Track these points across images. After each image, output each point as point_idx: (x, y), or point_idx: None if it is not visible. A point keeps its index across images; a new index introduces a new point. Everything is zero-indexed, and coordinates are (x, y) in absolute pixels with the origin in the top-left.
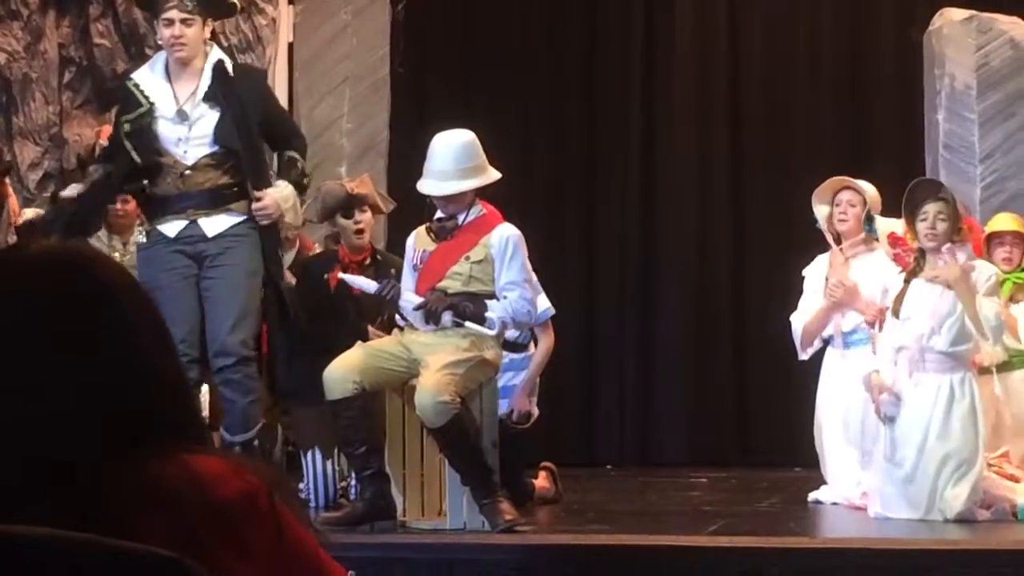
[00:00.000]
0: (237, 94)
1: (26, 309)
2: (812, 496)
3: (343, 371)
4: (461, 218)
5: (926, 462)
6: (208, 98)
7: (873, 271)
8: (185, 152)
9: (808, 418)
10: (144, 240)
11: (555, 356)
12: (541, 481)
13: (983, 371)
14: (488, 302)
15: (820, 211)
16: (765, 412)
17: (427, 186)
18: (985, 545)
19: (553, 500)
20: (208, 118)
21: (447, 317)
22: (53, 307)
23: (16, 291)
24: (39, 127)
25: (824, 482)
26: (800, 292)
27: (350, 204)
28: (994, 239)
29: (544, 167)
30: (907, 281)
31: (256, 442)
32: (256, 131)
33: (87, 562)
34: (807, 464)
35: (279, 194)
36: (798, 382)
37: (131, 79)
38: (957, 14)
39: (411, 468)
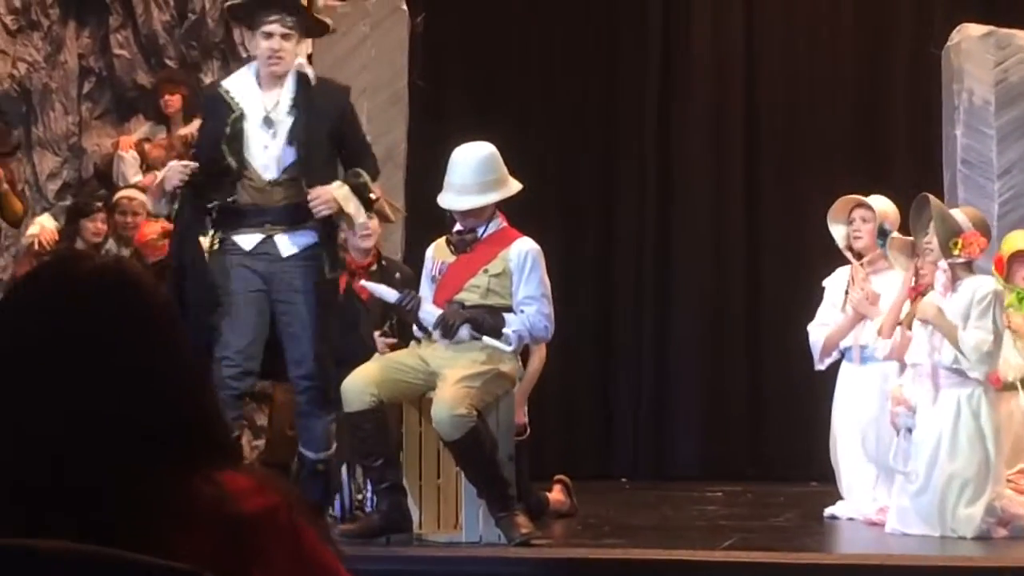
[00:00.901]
0: (315, 102)
1: (70, 324)
2: (828, 511)
3: (361, 383)
4: (481, 231)
5: (935, 479)
6: (291, 106)
7: (894, 287)
8: (267, 162)
9: (823, 432)
10: (216, 247)
11: (570, 369)
12: (556, 494)
13: (1007, 386)
14: (506, 316)
15: (837, 231)
16: (781, 426)
17: (447, 200)
18: (1001, 562)
19: (568, 513)
20: (287, 124)
21: (465, 331)
22: (96, 324)
23: (62, 306)
24: (58, 137)
25: (840, 497)
26: (818, 302)
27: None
28: (1017, 258)
29: (560, 180)
30: (913, 300)
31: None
32: (326, 141)
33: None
34: (823, 478)
35: (337, 190)
36: (814, 396)
37: (221, 86)
38: (976, 29)
39: (427, 481)
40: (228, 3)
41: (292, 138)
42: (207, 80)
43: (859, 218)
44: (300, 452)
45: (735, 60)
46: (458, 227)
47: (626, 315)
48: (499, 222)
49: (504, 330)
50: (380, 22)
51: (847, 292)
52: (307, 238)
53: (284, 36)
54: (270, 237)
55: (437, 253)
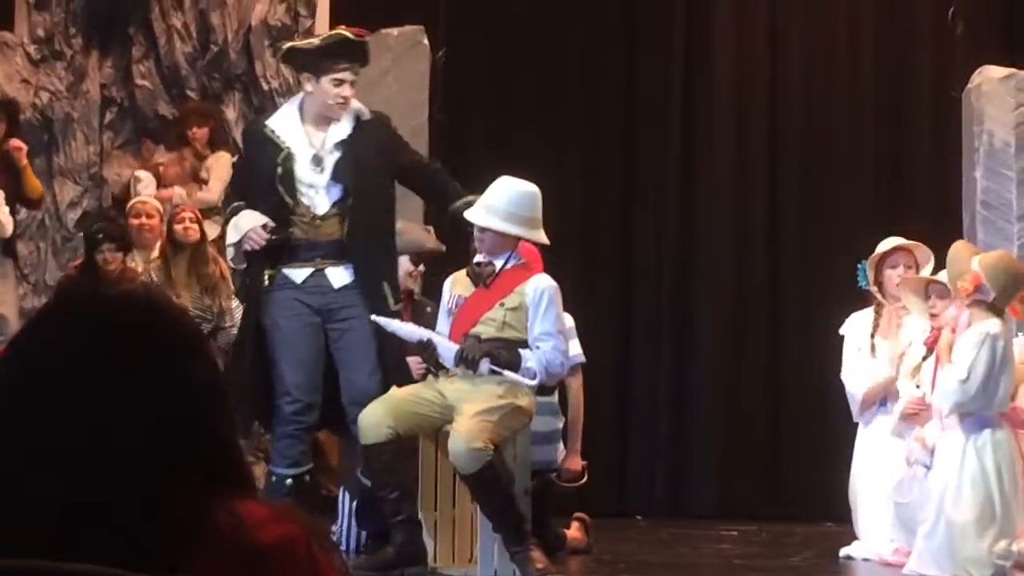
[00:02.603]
0: (360, 134)
1: (99, 352)
2: (844, 552)
3: (378, 416)
4: (499, 264)
5: (944, 523)
6: (342, 144)
7: (922, 330)
8: (316, 198)
9: (839, 472)
10: (267, 284)
11: (586, 406)
12: (573, 531)
13: None
14: (521, 351)
15: (870, 273)
16: (797, 466)
17: (472, 213)
18: None
19: (585, 551)
20: (334, 159)
21: (484, 365)
22: (125, 354)
23: (91, 333)
24: (79, 166)
25: (855, 537)
26: (835, 342)
27: (419, 255)
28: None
29: (581, 214)
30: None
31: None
32: (375, 170)
33: None
34: (838, 519)
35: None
36: (830, 436)
37: (267, 126)
38: (997, 72)
39: (443, 514)
40: (291, 46)
41: (339, 174)
42: (229, 112)
43: (903, 263)
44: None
45: (757, 101)
46: (477, 259)
47: (644, 352)
48: (519, 258)
49: (526, 364)
50: (401, 56)
51: (873, 339)
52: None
53: (352, 83)
54: (321, 270)
55: (454, 286)
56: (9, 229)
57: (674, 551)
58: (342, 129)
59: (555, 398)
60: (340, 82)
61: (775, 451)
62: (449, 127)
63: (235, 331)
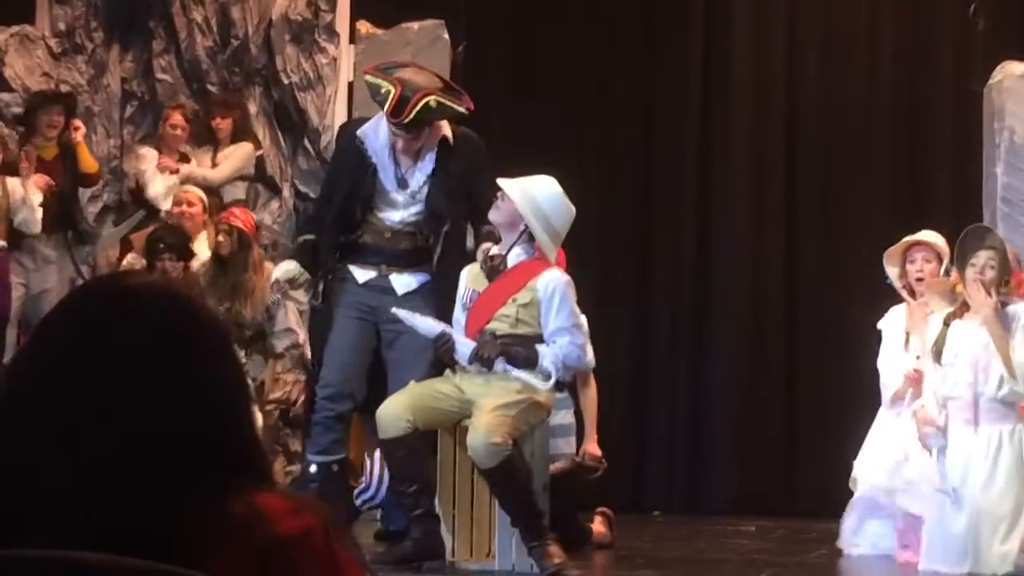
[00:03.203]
0: (451, 165)
1: (121, 343)
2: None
3: (396, 410)
4: (507, 253)
5: (972, 514)
6: (432, 174)
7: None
8: (393, 215)
9: None
10: (331, 276)
11: (604, 403)
12: (597, 526)
13: None
14: (538, 347)
15: (892, 271)
16: (815, 462)
17: (508, 182)
18: None
19: (608, 545)
20: (424, 191)
21: (500, 364)
22: (147, 345)
23: (114, 323)
24: (100, 160)
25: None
26: (854, 340)
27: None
28: None
29: (599, 212)
30: (947, 323)
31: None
32: (459, 199)
33: None
34: None
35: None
36: (849, 432)
37: (357, 136)
38: (1018, 67)
39: (461, 508)
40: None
41: (428, 203)
42: (250, 106)
43: (921, 258)
44: None
45: (775, 101)
46: (492, 250)
47: (662, 348)
48: (532, 251)
49: (541, 365)
50: (422, 50)
51: (907, 333)
52: (422, 278)
53: (406, 139)
54: (385, 276)
55: (470, 279)
56: (38, 227)
57: (691, 546)
58: (429, 161)
59: (566, 392)
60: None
61: (792, 448)
62: (469, 122)
63: (288, 335)
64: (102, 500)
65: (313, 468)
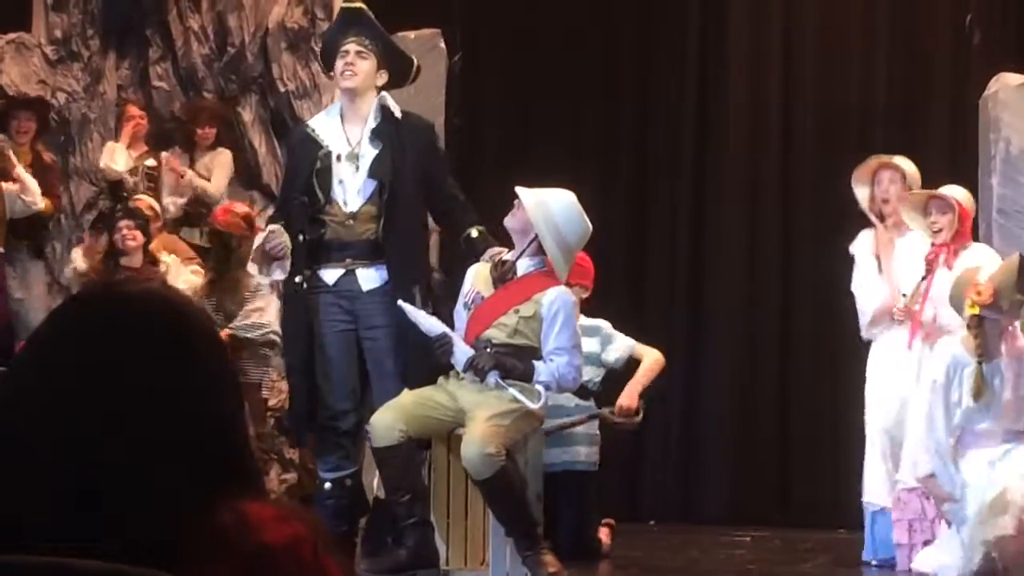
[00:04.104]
0: (399, 135)
1: (114, 349)
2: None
3: (390, 419)
4: (518, 261)
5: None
6: (373, 136)
7: (915, 249)
8: (349, 195)
9: (852, 479)
10: (304, 286)
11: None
12: (604, 537)
13: None
14: (535, 363)
15: (860, 192)
16: (809, 472)
17: (526, 192)
18: None
19: (606, 555)
20: (370, 156)
21: (493, 377)
22: (140, 352)
23: (106, 330)
24: (95, 167)
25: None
26: (850, 351)
27: None
28: None
29: (593, 218)
30: (980, 362)
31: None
32: (410, 176)
33: None
34: (851, 526)
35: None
36: (844, 443)
37: (308, 125)
38: (1014, 79)
39: (455, 517)
40: (321, 51)
41: (374, 171)
42: (246, 114)
43: (887, 179)
44: None
45: (771, 101)
46: (504, 256)
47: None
48: (542, 264)
49: (538, 380)
50: (419, 59)
51: (878, 257)
52: (385, 274)
53: (359, 54)
54: (352, 271)
55: (476, 280)
56: (38, 200)
57: (686, 555)
58: (371, 120)
59: (598, 348)
60: (345, 53)
61: (787, 458)
62: (465, 132)
63: (265, 332)
64: (91, 506)
65: (328, 485)
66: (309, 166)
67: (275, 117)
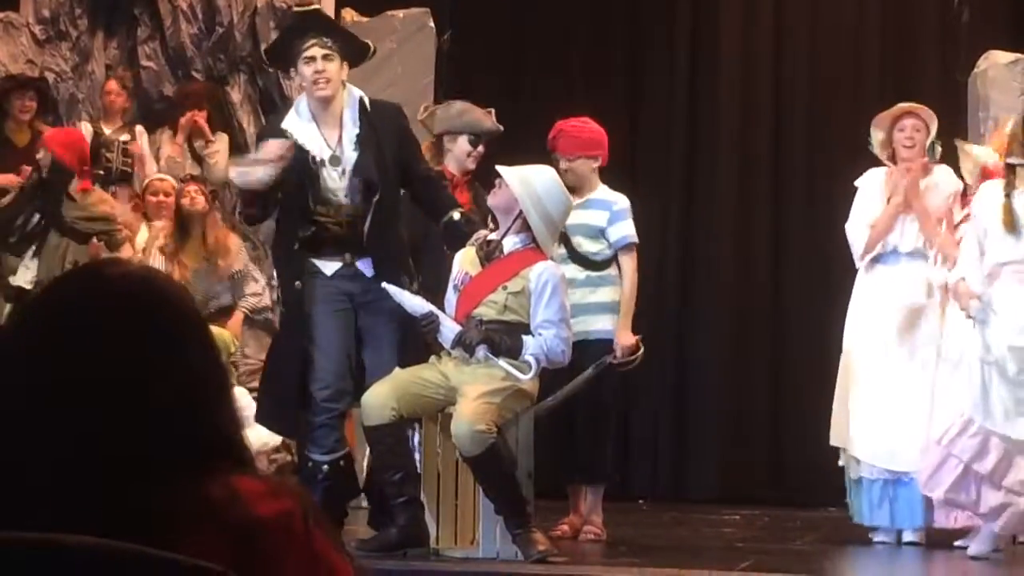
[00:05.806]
0: (375, 130)
1: (96, 330)
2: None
3: (381, 398)
4: (503, 238)
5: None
6: (358, 140)
7: (933, 189)
8: (339, 198)
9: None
10: (300, 287)
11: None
12: (596, 529)
13: None
14: (524, 337)
15: (877, 136)
16: (799, 451)
17: (508, 170)
18: None
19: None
20: (353, 159)
21: (482, 352)
22: (127, 332)
23: (94, 309)
24: None
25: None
26: (836, 330)
27: (489, 137)
28: None
29: None
30: (1008, 195)
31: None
32: (391, 166)
33: (134, 571)
34: (840, 504)
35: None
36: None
37: (283, 128)
38: (1003, 57)
39: (445, 496)
40: (264, 49)
41: (359, 172)
42: (234, 94)
43: (910, 126)
44: None
45: (761, 86)
46: (490, 236)
47: (645, 337)
48: (528, 241)
49: (524, 357)
50: (407, 39)
51: (890, 197)
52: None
53: (325, 57)
54: (351, 264)
55: (463, 262)
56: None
57: (675, 534)
58: (351, 126)
59: (614, 270)
60: (311, 59)
61: (777, 436)
62: None
63: (265, 303)
64: (81, 481)
65: (325, 468)
66: (297, 173)
67: (264, 96)
